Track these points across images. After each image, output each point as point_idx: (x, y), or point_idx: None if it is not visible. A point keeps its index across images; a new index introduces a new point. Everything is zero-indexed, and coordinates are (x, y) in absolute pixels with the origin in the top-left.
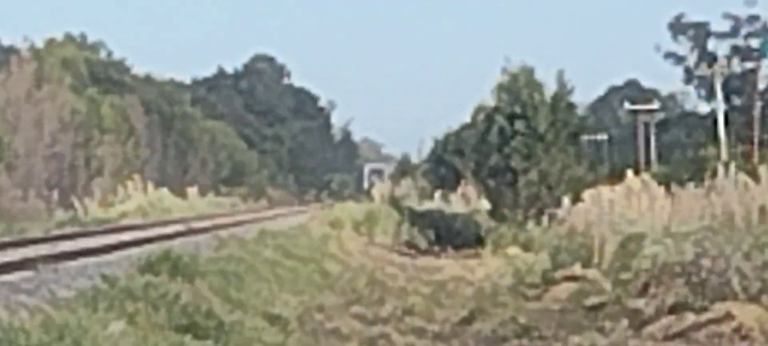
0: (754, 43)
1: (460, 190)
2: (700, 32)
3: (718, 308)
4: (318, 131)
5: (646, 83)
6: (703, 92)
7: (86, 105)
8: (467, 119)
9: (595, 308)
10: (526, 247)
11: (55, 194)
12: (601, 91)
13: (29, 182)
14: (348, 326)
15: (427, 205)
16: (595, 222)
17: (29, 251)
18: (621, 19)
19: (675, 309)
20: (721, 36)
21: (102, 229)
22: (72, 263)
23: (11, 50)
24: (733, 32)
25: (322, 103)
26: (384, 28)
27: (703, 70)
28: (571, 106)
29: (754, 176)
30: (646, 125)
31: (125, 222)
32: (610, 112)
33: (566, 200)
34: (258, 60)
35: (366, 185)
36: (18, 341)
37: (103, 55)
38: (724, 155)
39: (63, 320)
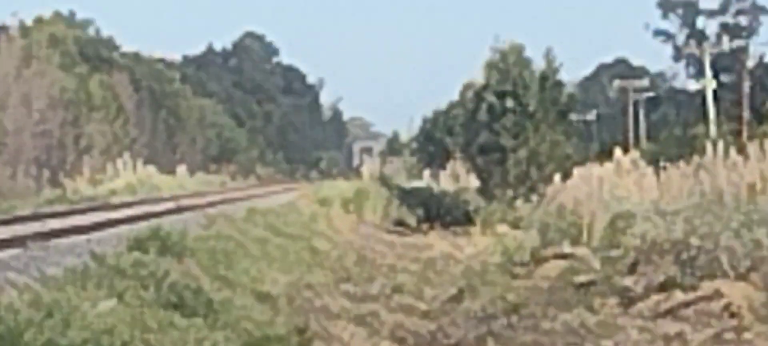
0: (743, 20)
1: (449, 168)
2: (689, 10)
3: (707, 286)
4: (307, 109)
5: (636, 61)
6: (692, 70)
7: (75, 83)
8: (456, 97)
9: (584, 285)
10: (516, 225)
11: (45, 172)
12: (590, 69)
13: (18, 160)
14: (337, 304)
15: (417, 183)
16: (585, 200)
17: (18, 229)
18: None
19: (664, 287)
20: (711, 14)
21: (91, 206)
22: (61, 241)
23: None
24: (722, 10)
25: (312, 81)
26: (373, 5)
27: (693, 47)
28: (560, 84)
29: (743, 153)
30: (636, 103)
31: (114, 200)
32: (600, 89)
33: (556, 178)
34: (247, 38)
35: (356, 162)
36: (6, 320)
37: (92, 32)
38: (713, 133)
39: (52, 298)
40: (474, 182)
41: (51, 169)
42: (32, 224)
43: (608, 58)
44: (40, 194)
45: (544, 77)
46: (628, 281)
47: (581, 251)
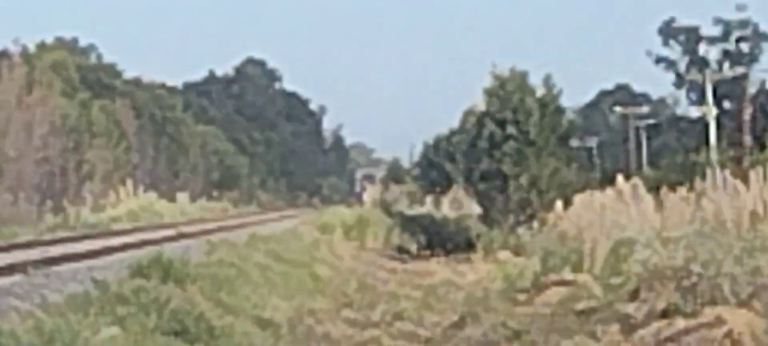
0: (745, 47)
1: (450, 194)
2: (690, 37)
3: (709, 313)
4: (309, 136)
5: (637, 87)
6: (693, 97)
7: (77, 109)
8: (458, 123)
9: (585, 312)
10: (517, 251)
11: (47, 199)
12: (591, 96)
13: (19, 187)
14: (339, 331)
15: (418, 209)
16: (586, 226)
17: (20, 256)
18: (612, 24)
19: (666, 314)
20: (712, 40)
21: (93, 233)
22: (63, 268)
23: (2, 54)
24: (724, 37)
25: (313, 107)
26: (374, 32)
27: (694, 74)
28: (560, 111)
29: (745, 180)
30: (637, 129)
31: (116, 227)
32: (601, 116)
33: (558, 205)
34: (249, 64)
35: (357, 189)
36: None
37: (94, 59)
38: (714, 160)
39: (54, 325)
40: (476, 208)
41: (53, 196)
42: (34, 251)
43: (609, 85)
44: (42, 220)
45: (544, 104)
46: (629, 308)
47: (583, 277)
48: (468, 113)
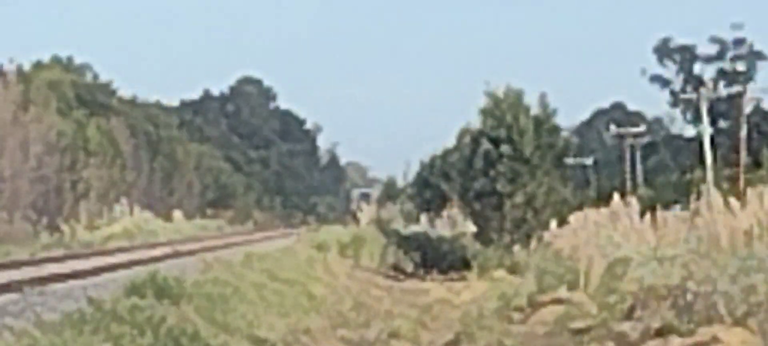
0: (741, 66)
1: (446, 213)
2: (686, 56)
3: (704, 332)
4: (304, 154)
5: (632, 106)
6: (689, 116)
7: (72, 128)
8: (453, 141)
9: (581, 331)
10: (513, 270)
11: (42, 217)
12: (587, 115)
13: (15, 205)
14: None
15: (413, 228)
16: (581, 245)
17: (15, 274)
18: (607, 43)
19: (661, 333)
20: (708, 59)
21: (88, 252)
22: (58, 286)
23: None
24: (720, 56)
25: (309, 126)
26: (370, 51)
27: (689, 93)
28: (556, 129)
29: (740, 199)
30: (632, 148)
31: (111, 245)
32: (596, 135)
33: (553, 224)
34: (244, 83)
35: (353, 207)
36: None
37: (89, 77)
38: (710, 179)
39: (49, 343)
40: (471, 227)
41: (48, 214)
42: (29, 269)
43: (605, 104)
44: (37, 238)
45: (539, 122)
46: (625, 327)
47: (578, 296)
48: (463, 132)
